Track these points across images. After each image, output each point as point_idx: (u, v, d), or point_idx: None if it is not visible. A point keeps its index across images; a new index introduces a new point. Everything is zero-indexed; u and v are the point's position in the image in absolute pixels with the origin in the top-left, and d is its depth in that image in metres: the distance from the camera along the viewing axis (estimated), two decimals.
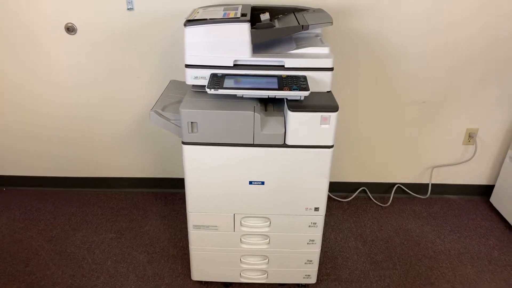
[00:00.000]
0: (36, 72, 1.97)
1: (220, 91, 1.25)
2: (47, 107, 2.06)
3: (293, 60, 1.33)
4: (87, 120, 2.10)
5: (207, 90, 1.25)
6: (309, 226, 1.49)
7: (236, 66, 1.34)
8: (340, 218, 2.12)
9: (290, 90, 1.25)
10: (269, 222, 1.49)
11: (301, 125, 1.29)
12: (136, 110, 2.05)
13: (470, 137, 2.13)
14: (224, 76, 1.33)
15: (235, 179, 1.39)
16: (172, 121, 1.38)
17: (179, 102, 1.35)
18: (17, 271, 1.73)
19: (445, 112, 2.08)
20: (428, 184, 2.25)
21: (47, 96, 2.03)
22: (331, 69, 1.34)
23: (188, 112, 1.29)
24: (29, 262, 1.78)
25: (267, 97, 1.29)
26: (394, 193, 2.26)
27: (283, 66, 1.34)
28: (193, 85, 1.40)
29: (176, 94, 1.53)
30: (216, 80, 1.30)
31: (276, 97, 1.29)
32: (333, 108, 1.28)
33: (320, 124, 1.29)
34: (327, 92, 1.38)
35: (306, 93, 1.25)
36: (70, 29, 1.84)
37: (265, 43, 1.42)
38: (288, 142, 1.32)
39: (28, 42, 1.90)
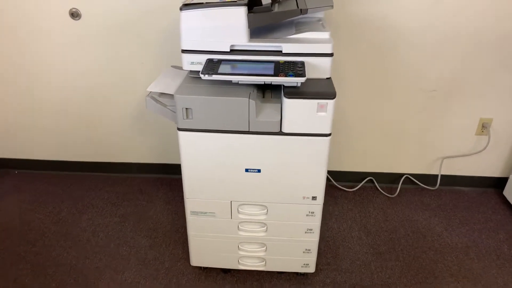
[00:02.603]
0: (42, 58, 2.00)
1: (214, 77, 1.23)
2: (54, 92, 2.09)
3: (291, 45, 1.30)
4: (94, 105, 2.12)
5: (201, 75, 1.23)
6: (307, 215, 1.47)
7: (232, 51, 1.32)
8: (345, 208, 2.09)
9: (286, 76, 1.22)
10: (266, 210, 1.48)
11: (297, 112, 1.26)
12: (140, 95, 2.06)
13: (484, 127, 2.05)
14: (220, 61, 1.30)
15: (231, 166, 1.38)
16: (168, 107, 1.37)
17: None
18: (24, 251, 1.79)
19: (458, 101, 2.00)
20: (437, 175, 2.18)
21: (54, 81, 2.06)
22: (330, 54, 1.30)
23: (183, 98, 1.27)
24: (36, 243, 1.84)
25: (263, 83, 1.27)
26: (402, 183, 2.21)
27: (281, 51, 1.31)
28: (190, 70, 1.39)
29: (176, 79, 1.52)
30: (212, 66, 1.28)
31: (272, 83, 1.26)
32: (331, 95, 1.25)
33: (317, 112, 1.26)
34: (327, 78, 1.34)
35: (302, 79, 1.22)
36: (75, 15, 1.85)
37: (264, 28, 1.39)
38: (284, 130, 1.30)
39: (32, 27, 1.92)
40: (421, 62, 1.90)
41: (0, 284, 1.63)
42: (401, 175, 2.22)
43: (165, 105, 1.38)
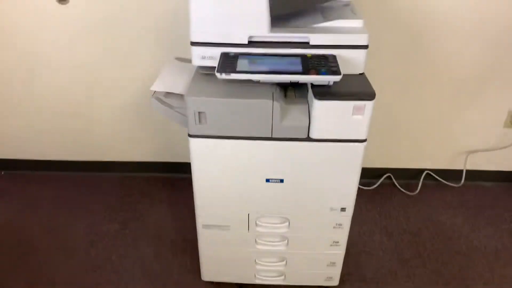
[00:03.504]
0: (27, 49, 1.77)
1: (233, 76, 1.04)
2: (45, 87, 1.87)
3: (320, 36, 1.10)
4: (86, 100, 1.91)
5: (217, 74, 1.04)
6: (334, 227, 1.32)
7: (251, 43, 1.12)
8: (363, 208, 1.94)
9: (318, 74, 1.03)
10: (287, 223, 1.32)
11: (329, 116, 1.08)
12: (138, 89, 1.85)
13: None
14: (237, 56, 1.11)
15: (249, 177, 1.21)
16: (176, 109, 1.18)
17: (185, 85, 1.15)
18: (13, 267, 1.61)
19: (486, 91, 1.83)
20: (461, 170, 2.03)
21: (43, 75, 1.84)
22: (365, 46, 1.11)
23: (195, 100, 1.08)
24: (27, 258, 1.66)
25: (288, 82, 1.09)
26: (423, 180, 2.06)
27: (308, 43, 1.11)
28: (200, 66, 1.19)
29: (183, 75, 1.31)
30: (228, 62, 1.08)
31: (300, 82, 1.08)
32: (369, 95, 1.07)
33: (352, 115, 1.08)
34: (360, 74, 1.16)
35: (337, 78, 1.03)
36: None
37: (286, 15, 1.19)
38: (313, 136, 1.12)
39: (17, 15, 1.68)
40: (449, 50, 1.72)
41: None
42: (422, 170, 2.07)
43: (171, 107, 1.19)
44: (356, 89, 1.09)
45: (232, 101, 1.08)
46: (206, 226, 1.34)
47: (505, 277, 1.60)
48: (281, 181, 1.21)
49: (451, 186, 2.05)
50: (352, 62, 1.13)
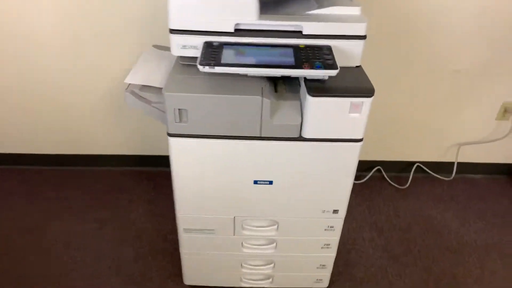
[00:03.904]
0: None
1: (218, 69, 0.93)
2: (17, 76, 1.71)
3: (314, 24, 1.00)
4: (63, 89, 1.75)
5: (200, 67, 0.93)
6: (325, 229, 1.24)
7: (238, 31, 1.00)
8: (352, 203, 1.85)
9: (312, 67, 0.93)
10: (276, 226, 1.23)
11: (323, 113, 0.99)
12: (118, 78, 1.70)
13: (506, 111, 1.84)
14: (222, 45, 0.99)
15: (236, 179, 1.11)
16: (154, 105, 1.06)
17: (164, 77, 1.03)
18: None
19: (479, 83, 1.77)
20: (452, 163, 1.98)
21: (18, 63, 1.67)
22: (363, 37, 1.01)
23: (175, 96, 0.97)
24: None
25: (280, 76, 0.98)
26: (414, 173, 2.01)
27: (301, 32, 1.00)
28: (180, 56, 1.07)
29: (161, 66, 1.19)
30: (212, 52, 0.97)
31: (292, 76, 0.98)
32: (368, 91, 0.97)
33: (349, 113, 0.99)
34: (356, 67, 1.06)
35: (333, 73, 0.93)
36: None
37: (277, 1, 1.07)
38: (305, 135, 1.02)
39: None
40: (444, 42, 1.64)
41: None
42: (412, 163, 2.01)
43: (149, 102, 1.07)
44: (354, 84, 0.99)
45: (216, 97, 0.96)
46: (188, 230, 1.24)
47: (495, 273, 1.57)
48: (270, 183, 1.12)
49: (441, 179, 2.01)
50: (348, 53, 1.03)
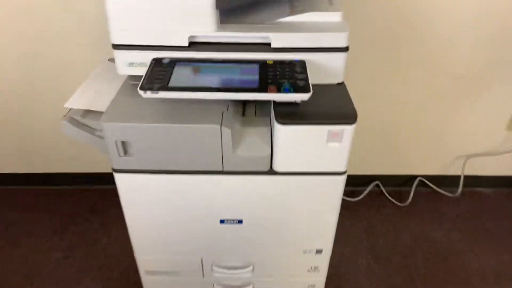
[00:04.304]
0: None
1: (163, 95, 0.76)
2: None
3: (284, 35, 0.82)
4: (23, 102, 1.60)
5: (140, 92, 0.76)
6: (308, 270, 1.07)
7: (193, 45, 0.83)
8: (347, 224, 1.70)
9: (279, 91, 0.75)
10: (252, 267, 1.07)
11: (296, 143, 0.81)
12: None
13: None
14: (173, 62, 0.82)
15: (198, 218, 0.94)
16: (97, 134, 0.89)
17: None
18: None
19: (487, 89, 1.57)
20: (458, 176, 1.79)
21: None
22: (345, 49, 0.84)
23: (113, 127, 0.80)
24: None
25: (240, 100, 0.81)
26: (415, 187, 1.82)
27: (269, 45, 0.83)
28: (129, 75, 0.90)
29: (113, 84, 1.01)
30: (159, 72, 0.80)
31: (256, 99, 0.81)
32: (349, 117, 0.79)
33: (327, 142, 0.81)
34: (338, 84, 0.89)
35: (304, 97, 0.76)
36: None
37: (240, 7, 0.90)
38: (277, 168, 0.85)
39: None
40: (445, 42, 1.44)
41: None
42: (414, 177, 1.83)
43: (93, 130, 0.90)
44: (332, 107, 0.82)
45: (163, 127, 0.79)
46: (150, 272, 1.08)
47: None
48: (240, 222, 0.95)
49: (446, 195, 1.82)
50: (327, 69, 0.85)
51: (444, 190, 1.82)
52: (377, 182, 1.84)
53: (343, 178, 0.87)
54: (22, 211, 1.73)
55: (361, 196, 1.80)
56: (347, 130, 0.79)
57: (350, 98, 0.84)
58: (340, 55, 0.84)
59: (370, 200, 1.81)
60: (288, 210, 0.93)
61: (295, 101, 0.80)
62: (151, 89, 0.75)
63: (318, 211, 0.93)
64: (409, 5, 1.36)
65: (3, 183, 1.83)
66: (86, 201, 1.78)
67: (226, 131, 0.79)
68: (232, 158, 0.83)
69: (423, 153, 1.78)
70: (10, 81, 1.53)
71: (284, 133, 0.79)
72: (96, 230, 1.65)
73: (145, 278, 1.09)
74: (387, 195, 1.82)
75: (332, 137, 0.80)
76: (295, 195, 0.90)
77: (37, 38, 1.42)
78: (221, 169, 0.85)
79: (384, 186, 1.85)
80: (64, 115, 0.89)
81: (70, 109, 0.91)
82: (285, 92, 0.75)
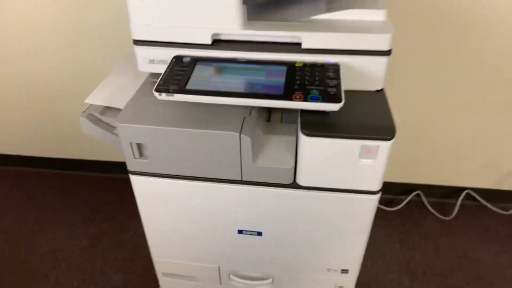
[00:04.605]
0: None
1: (179, 97, 0.70)
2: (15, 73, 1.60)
3: (317, 35, 0.73)
4: (63, 89, 1.62)
5: (155, 94, 0.70)
6: None
7: (216, 43, 0.77)
8: (381, 234, 1.58)
9: (305, 99, 0.67)
10: (271, 279, 1.00)
11: (323, 157, 0.73)
12: None
13: None
14: (195, 61, 0.76)
15: (216, 226, 0.89)
16: (115, 132, 0.86)
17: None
18: None
19: None
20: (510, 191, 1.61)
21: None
22: (387, 52, 0.73)
23: (130, 128, 0.76)
24: None
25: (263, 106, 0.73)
26: (462, 201, 1.66)
27: (300, 45, 0.75)
28: (151, 73, 0.86)
29: (136, 81, 0.97)
30: (179, 71, 0.74)
31: (280, 108, 0.73)
32: (385, 131, 0.70)
33: (359, 158, 0.72)
34: (377, 91, 0.79)
35: (334, 107, 0.67)
36: None
37: (271, 2, 0.82)
38: (301, 182, 0.77)
39: None
40: (502, 43, 1.27)
41: None
42: (461, 189, 1.67)
43: (111, 128, 0.87)
44: (367, 119, 0.72)
45: (180, 131, 0.74)
46: (167, 275, 1.04)
47: None
48: (259, 234, 0.88)
49: (497, 212, 1.64)
50: (366, 74, 0.75)
51: (495, 206, 1.64)
52: (418, 191, 1.70)
53: (375, 198, 0.78)
54: (53, 197, 1.77)
55: (400, 206, 1.67)
56: (383, 146, 0.69)
57: (389, 109, 0.74)
58: (382, 59, 0.74)
59: (409, 211, 1.68)
60: (311, 227, 0.85)
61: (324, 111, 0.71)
62: (167, 91, 0.69)
63: (345, 231, 0.84)
64: (459, 6, 1.20)
65: (38, 166, 1.89)
66: (116, 190, 1.79)
67: (246, 140, 0.72)
68: (251, 168, 0.76)
69: (474, 164, 1.61)
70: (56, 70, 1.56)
71: (310, 145, 0.71)
72: (124, 221, 1.65)
73: (162, 280, 1.06)
74: (428, 206, 1.68)
75: (365, 153, 0.71)
76: (320, 212, 0.81)
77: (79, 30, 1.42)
78: (239, 178, 0.78)
79: (426, 196, 1.70)
80: (84, 111, 0.87)
81: (90, 105, 0.88)
82: (313, 100, 0.66)
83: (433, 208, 1.67)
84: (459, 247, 1.54)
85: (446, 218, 1.64)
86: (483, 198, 1.65)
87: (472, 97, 1.42)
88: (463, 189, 1.67)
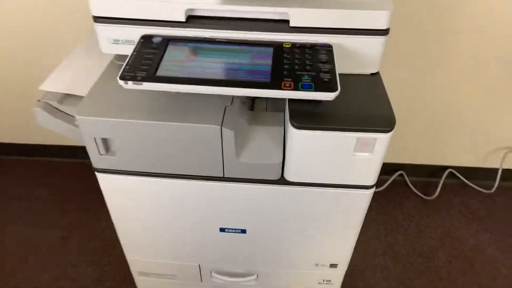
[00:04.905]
0: None
1: (147, 86, 0.60)
2: None
3: (307, 11, 0.64)
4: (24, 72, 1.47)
5: (121, 82, 0.60)
6: (319, 283, 0.94)
7: (191, 20, 0.66)
8: (365, 217, 1.55)
9: (296, 87, 0.58)
10: (255, 276, 0.94)
11: (314, 151, 0.65)
12: None
13: None
14: (166, 42, 0.66)
15: (195, 225, 0.81)
16: (76, 123, 0.75)
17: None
18: None
19: None
20: (496, 169, 1.59)
21: None
22: (384, 32, 0.65)
23: (92, 122, 0.65)
24: None
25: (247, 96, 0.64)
26: (445, 180, 1.64)
27: (287, 22, 0.65)
28: (116, 54, 0.75)
29: (99, 63, 0.86)
30: (148, 54, 0.63)
31: (267, 96, 0.64)
32: (384, 123, 0.62)
33: (354, 151, 0.65)
34: (372, 74, 0.71)
35: (329, 96, 0.59)
36: None
37: None
38: (289, 177, 0.70)
39: None
40: (491, 21, 1.21)
41: None
42: (444, 168, 1.65)
43: (72, 119, 0.76)
44: (364, 108, 0.64)
45: (151, 124, 0.64)
46: (143, 274, 0.97)
47: None
48: (243, 231, 0.81)
49: (480, 190, 1.64)
50: (361, 55, 0.67)
51: (477, 185, 1.63)
52: (401, 171, 1.67)
53: (369, 193, 0.72)
54: (22, 186, 1.64)
55: (383, 187, 1.64)
56: (381, 139, 0.62)
57: (387, 95, 0.67)
58: (379, 40, 0.66)
59: (392, 192, 1.65)
60: (299, 223, 0.78)
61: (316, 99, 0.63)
62: (134, 78, 0.59)
63: (336, 226, 0.79)
64: None
65: (6, 153, 1.74)
66: (89, 177, 1.67)
67: (228, 133, 0.64)
68: (234, 164, 0.68)
69: (457, 142, 1.58)
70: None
71: (300, 138, 0.63)
72: (97, 210, 1.55)
73: (138, 279, 0.99)
74: (411, 186, 1.66)
75: (361, 146, 0.64)
76: (309, 208, 0.75)
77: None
78: (221, 175, 0.70)
79: (409, 176, 1.68)
80: (38, 100, 0.75)
81: (47, 92, 0.77)
82: (304, 89, 0.58)
83: (416, 188, 1.65)
84: (441, 226, 1.53)
85: (429, 198, 1.62)
86: (465, 177, 1.64)
87: (454, 76, 1.37)
88: (446, 167, 1.65)
